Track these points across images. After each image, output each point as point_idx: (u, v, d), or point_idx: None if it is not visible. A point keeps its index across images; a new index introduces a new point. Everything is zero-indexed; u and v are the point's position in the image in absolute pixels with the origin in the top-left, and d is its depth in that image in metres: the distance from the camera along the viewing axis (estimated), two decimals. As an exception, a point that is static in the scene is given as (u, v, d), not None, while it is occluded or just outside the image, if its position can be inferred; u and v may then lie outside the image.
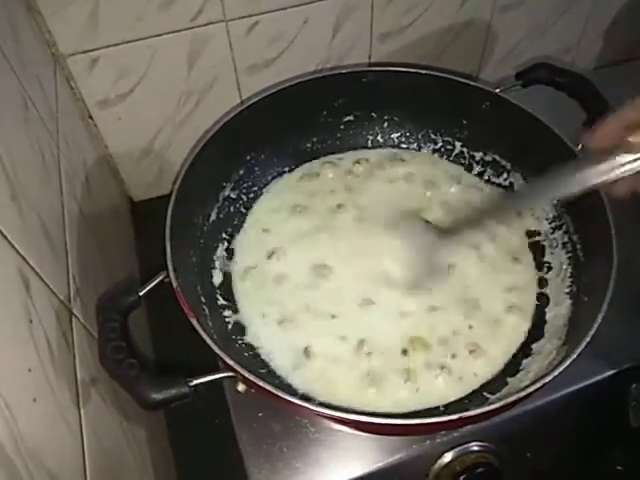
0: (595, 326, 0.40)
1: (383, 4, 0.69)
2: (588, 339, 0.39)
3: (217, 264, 0.56)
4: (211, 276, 0.55)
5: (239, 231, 0.59)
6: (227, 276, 0.56)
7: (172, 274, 0.42)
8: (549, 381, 0.38)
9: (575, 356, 0.39)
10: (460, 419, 0.36)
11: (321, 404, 0.38)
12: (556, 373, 0.37)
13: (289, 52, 0.68)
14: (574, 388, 0.51)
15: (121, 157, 0.72)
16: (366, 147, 0.66)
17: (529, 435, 0.53)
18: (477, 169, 0.63)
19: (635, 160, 0.37)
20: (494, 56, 0.82)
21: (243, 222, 0.60)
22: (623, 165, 0.38)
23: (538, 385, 0.37)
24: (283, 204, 0.61)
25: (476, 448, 0.50)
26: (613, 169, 0.38)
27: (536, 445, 0.54)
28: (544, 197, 0.48)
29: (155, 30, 0.61)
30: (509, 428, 0.51)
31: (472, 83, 0.57)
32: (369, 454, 0.49)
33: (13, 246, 0.36)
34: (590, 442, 0.59)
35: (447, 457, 0.50)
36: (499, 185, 0.61)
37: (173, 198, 0.48)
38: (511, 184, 0.61)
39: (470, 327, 0.51)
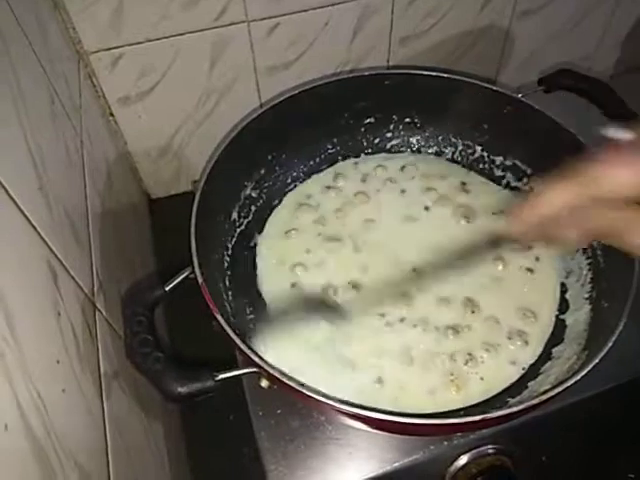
0: (617, 332, 0.40)
1: (403, 7, 0.69)
2: (610, 344, 0.39)
3: (239, 261, 0.56)
4: (233, 273, 0.55)
5: (261, 231, 0.60)
6: (250, 274, 0.57)
7: (197, 270, 0.43)
8: (570, 386, 0.38)
9: (597, 361, 0.39)
10: (482, 421, 0.36)
11: (343, 401, 0.38)
12: (578, 378, 0.38)
13: (309, 54, 0.69)
14: (591, 393, 0.51)
15: (140, 155, 0.72)
16: (386, 150, 0.66)
17: (545, 439, 0.53)
18: (498, 173, 0.63)
19: None
20: (512, 62, 0.82)
21: (265, 221, 0.60)
22: None
23: (559, 390, 0.37)
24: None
25: (492, 451, 0.50)
26: None
27: (551, 450, 0.54)
28: None
29: (178, 29, 0.62)
30: (526, 432, 0.51)
31: (495, 88, 0.57)
32: (385, 454, 0.49)
33: (42, 237, 0.37)
34: (605, 449, 0.59)
35: (463, 459, 0.50)
36: (519, 190, 0.62)
37: (198, 194, 0.48)
38: (531, 189, 0.61)
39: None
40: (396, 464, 0.49)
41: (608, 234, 0.30)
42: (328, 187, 0.63)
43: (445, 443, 0.49)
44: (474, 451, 0.49)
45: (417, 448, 0.49)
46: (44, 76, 0.48)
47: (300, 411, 0.49)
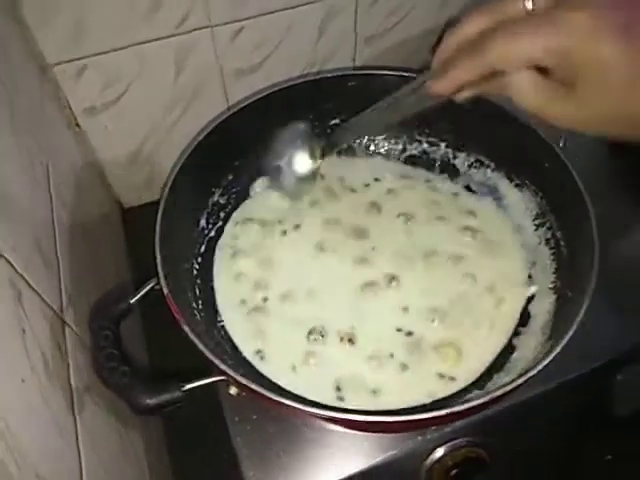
0: (578, 320, 0.41)
1: (366, 7, 0.69)
2: (571, 333, 0.40)
3: (209, 269, 0.56)
4: (204, 281, 0.56)
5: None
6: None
7: (162, 281, 0.43)
8: (533, 375, 0.38)
9: (558, 350, 0.40)
10: (447, 415, 0.36)
11: (312, 403, 0.39)
12: (540, 367, 0.38)
13: (275, 56, 0.69)
14: (560, 381, 0.52)
15: (110, 164, 0.72)
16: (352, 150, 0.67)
17: (517, 429, 0.54)
18: (462, 169, 0.64)
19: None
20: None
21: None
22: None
23: (521, 380, 0.38)
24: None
25: (467, 443, 0.51)
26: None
27: (524, 438, 0.55)
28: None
29: (141, 37, 0.62)
30: (497, 422, 0.52)
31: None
32: (363, 452, 0.50)
33: (2, 255, 0.37)
34: (578, 433, 0.60)
35: (439, 452, 0.51)
36: (483, 184, 0.63)
37: (162, 205, 0.48)
38: (495, 184, 0.62)
39: (460, 324, 0.52)
40: (374, 461, 0.50)
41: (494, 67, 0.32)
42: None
43: (420, 438, 0.50)
44: (449, 444, 0.50)
45: (393, 444, 0.50)
46: (3, 92, 0.47)
47: (276, 416, 0.49)
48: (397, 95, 0.42)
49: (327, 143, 0.50)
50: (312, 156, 0.51)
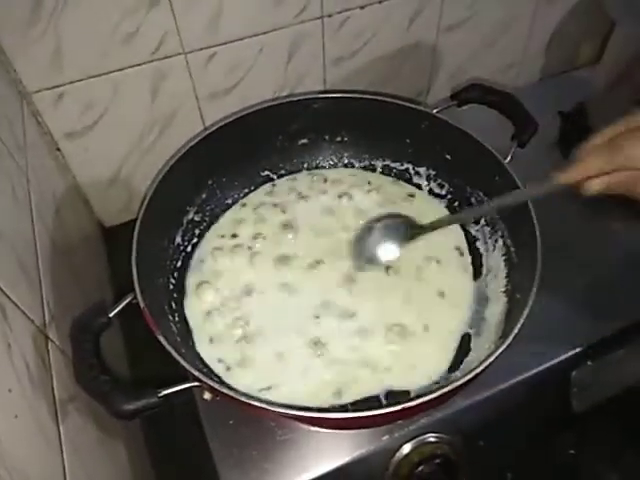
0: (522, 320, 0.44)
1: (334, 30, 0.73)
2: (516, 331, 0.44)
3: (185, 283, 0.59)
4: (180, 295, 0.58)
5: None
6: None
7: (139, 296, 0.46)
8: (481, 371, 0.42)
9: (504, 348, 0.43)
10: (403, 410, 0.40)
11: (279, 404, 0.42)
12: (486, 364, 0.42)
13: (247, 80, 0.72)
14: (518, 378, 0.56)
15: (90, 186, 0.74)
16: (319, 167, 0.71)
17: (480, 425, 0.58)
18: (423, 183, 0.68)
19: None
20: (443, 74, 0.87)
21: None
22: None
23: (469, 377, 0.41)
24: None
25: (432, 439, 0.55)
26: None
27: (488, 434, 0.59)
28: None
29: (117, 65, 0.64)
30: (461, 419, 0.55)
31: (410, 105, 0.62)
32: (333, 451, 0.53)
33: (-14, 275, 0.40)
34: (540, 429, 0.64)
35: (406, 449, 0.54)
36: (442, 197, 0.67)
37: (138, 223, 0.51)
38: (452, 195, 0.66)
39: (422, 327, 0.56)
40: (344, 459, 0.53)
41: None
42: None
43: (387, 436, 0.53)
44: (415, 440, 0.54)
45: (362, 442, 0.53)
46: (-16, 120, 0.50)
47: (250, 419, 0.52)
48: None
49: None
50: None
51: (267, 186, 0.69)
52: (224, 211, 0.66)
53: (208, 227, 0.64)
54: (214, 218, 0.65)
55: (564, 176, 0.42)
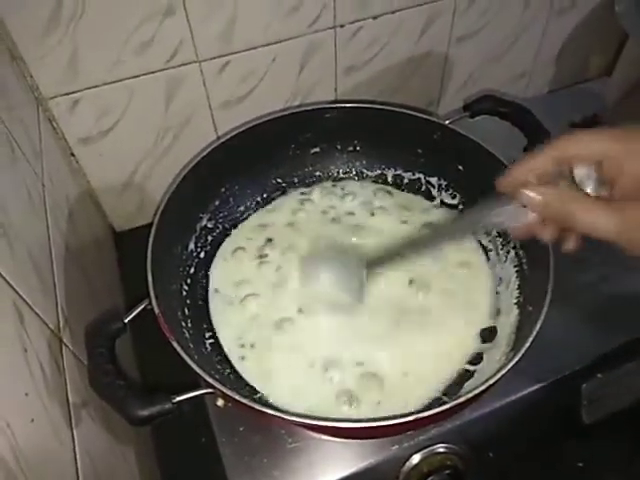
0: (534, 333, 0.45)
1: (346, 40, 0.74)
2: (528, 344, 0.44)
3: (197, 290, 0.60)
4: (193, 301, 0.59)
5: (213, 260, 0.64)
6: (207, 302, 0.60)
7: (154, 301, 0.46)
8: (493, 384, 0.42)
9: (517, 360, 0.43)
10: (415, 420, 0.40)
11: (292, 413, 0.42)
12: (499, 376, 0.42)
13: (260, 88, 0.73)
14: (529, 390, 0.56)
15: (103, 191, 0.75)
16: (332, 177, 0.71)
17: (489, 436, 0.58)
18: (434, 193, 0.68)
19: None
20: (453, 84, 0.88)
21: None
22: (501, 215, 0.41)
23: (482, 388, 0.41)
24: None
25: (442, 450, 0.55)
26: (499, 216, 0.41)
27: (497, 446, 0.59)
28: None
29: (132, 72, 0.65)
30: (470, 430, 0.55)
31: (423, 116, 0.63)
32: (343, 460, 0.53)
33: (7, 281, 0.40)
34: (549, 441, 0.63)
35: (415, 459, 0.54)
36: (454, 207, 0.67)
37: (153, 231, 0.52)
38: (465, 206, 0.67)
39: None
40: (354, 468, 0.53)
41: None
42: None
43: (397, 446, 0.53)
44: (424, 451, 0.54)
45: (372, 451, 0.53)
46: (2, 125, 0.51)
47: (261, 427, 0.53)
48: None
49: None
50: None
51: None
52: (237, 218, 0.66)
53: (221, 234, 0.65)
54: (227, 225, 0.65)
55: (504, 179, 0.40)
